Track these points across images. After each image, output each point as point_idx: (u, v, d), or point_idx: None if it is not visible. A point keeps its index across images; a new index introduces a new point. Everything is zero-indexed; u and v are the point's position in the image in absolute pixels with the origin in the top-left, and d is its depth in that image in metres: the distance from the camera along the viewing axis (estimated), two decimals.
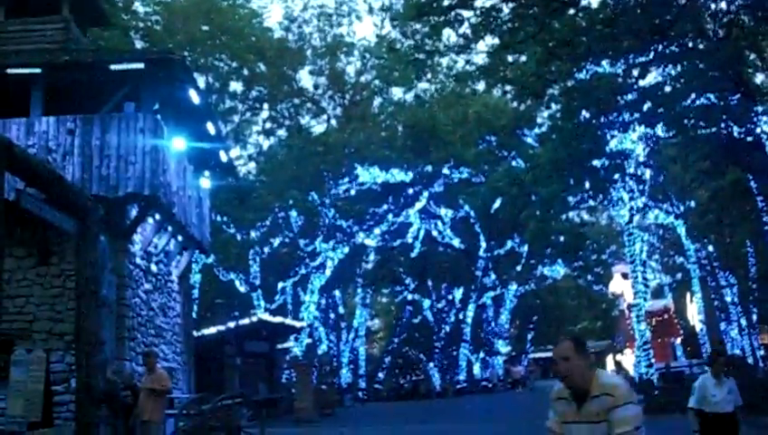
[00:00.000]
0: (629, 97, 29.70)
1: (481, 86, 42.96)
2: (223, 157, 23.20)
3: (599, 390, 4.41)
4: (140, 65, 17.32)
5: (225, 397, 16.74)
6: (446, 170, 45.18)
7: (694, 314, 41.66)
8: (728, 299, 41.44)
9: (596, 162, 33.40)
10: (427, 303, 52.36)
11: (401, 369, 53.89)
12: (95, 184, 16.86)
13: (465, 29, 28.08)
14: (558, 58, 27.26)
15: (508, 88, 34.25)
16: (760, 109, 27.27)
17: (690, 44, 27.35)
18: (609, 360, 49.64)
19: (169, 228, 20.01)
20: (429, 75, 43.79)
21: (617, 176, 34.65)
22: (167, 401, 13.63)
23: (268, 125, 47.62)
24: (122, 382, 14.62)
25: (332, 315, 50.41)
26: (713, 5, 26.53)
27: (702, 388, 9.36)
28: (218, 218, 37.82)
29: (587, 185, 37.25)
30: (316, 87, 48.24)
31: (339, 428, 21.71)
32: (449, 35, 29.65)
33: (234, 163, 27.85)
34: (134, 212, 17.92)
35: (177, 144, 19.04)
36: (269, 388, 33.92)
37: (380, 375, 51.91)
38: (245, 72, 43.17)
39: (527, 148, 41.18)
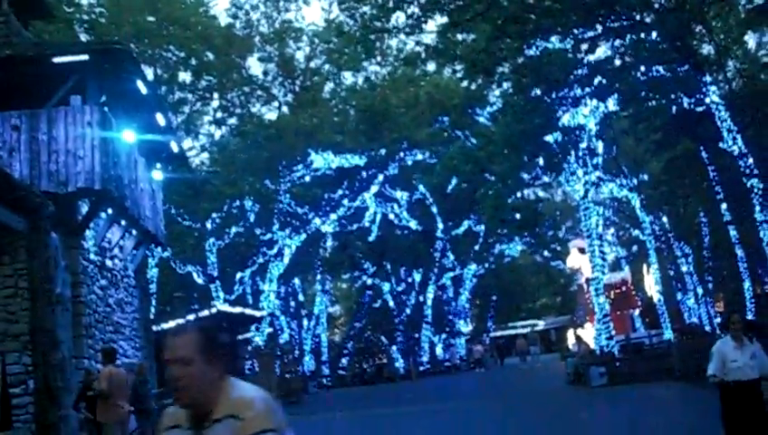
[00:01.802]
0: (580, 72, 29.84)
1: (431, 67, 42.97)
2: (174, 148, 22.87)
3: (225, 410, 3.00)
4: (85, 57, 16.96)
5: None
6: (399, 153, 45.10)
7: (651, 285, 42.04)
8: (684, 269, 41.88)
9: (549, 138, 33.53)
10: (386, 286, 52.34)
11: (364, 354, 53.82)
12: (44, 180, 16.49)
13: (414, 8, 27.98)
14: (507, 35, 27.30)
15: (458, 67, 34.25)
16: (708, 79, 27.50)
17: (638, 17, 27.50)
18: (570, 334, 49.98)
19: (123, 223, 19.69)
20: (379, 58, 43.70)
21: (570, 151, 34.82)
22: (124, 399, 13.26)
23: (219, 114, 47.17)
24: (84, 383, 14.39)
25: (292, 303, 50.21)
26: None
27: (720, 353, 8.46)
28: (173, 211, 37.39)
29: (541, 161, 37.44)
30: (266, 74, 47.84)
31: (336, 412, 21.57)
32: (398, 16, 29.50)
33: (186, 154, 27.54)
34: (86, 207, 17.58)
35: (127, 137, 18.70)
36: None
37: (343, 361, 51.85)
38: (194, 61, 42.62)
39: (480, 127, 41.22)
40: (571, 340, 48.06)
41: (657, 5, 27.47)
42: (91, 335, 16.88)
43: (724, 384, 8.30)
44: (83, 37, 36.48)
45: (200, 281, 42.42)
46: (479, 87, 36.18)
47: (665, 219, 43.57)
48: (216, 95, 45.99)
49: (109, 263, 19.23)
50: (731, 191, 29.73)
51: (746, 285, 30.83)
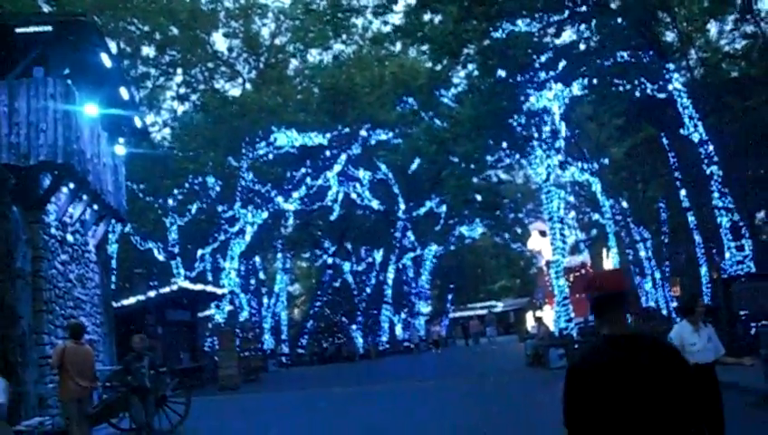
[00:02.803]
0: (545, 56, 29.99)
1: (397, 47, 42.91)
2: (137, 123, 22.61)
3: None
4: (49, 28, 16.67)
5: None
6: (363, 132, 45.07)
7: (610, 268, 42.45)
8: (642, 254, 42.38)
9: (513, 121, 33.70)
10: (347, 266, 52.44)
11: (324, 332, 53.90)
12: (4, 153, 16.21)
13: None
14: (474, 17, 27.33)
15: (424, 48, 34.24)
16: (671, 66, 27.77)
17: (603, 3, 27.67)
18: (530, 316, 50.41)
19: (84, 197, 19.45)
20: (345, 37, 43.44)
21: (534, 134, 35.02)
22: (81, 376, 12.91)
23: (182, 90, 46.68)
24: None
25: (253, 281, 50.07)
26: None
27: (679, 337, 8.58)
28: (134, 186, 37.06)
29: (504, 144, 37.61)
30: (230, 50, 47.45)
31: (317, 403, 21.58)
32: None
33: (148, 129, 27.27)
34: (47, 181, 17.32)
35: (90, 110, 18.43)
36: (192, 356, 33.61)
37: (303, 340, 51.88)
38: (158, 36, 42.15)
39: (444, 108, 41.27)
40: (530, 322, 48.48)
41: None
42: (51, 311, 16.67)
43: None
44: (45, 7, 35.93)
45: (161, 257, 42.16)
46: (444, 68, 36.18)
47: (624, 204, 44.00)
48: (179, 70, 45.54)
49: (70, 238, 19.01)
50: (690, 178, 30.13)
51: (703, 270, 31.25)
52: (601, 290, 3.85)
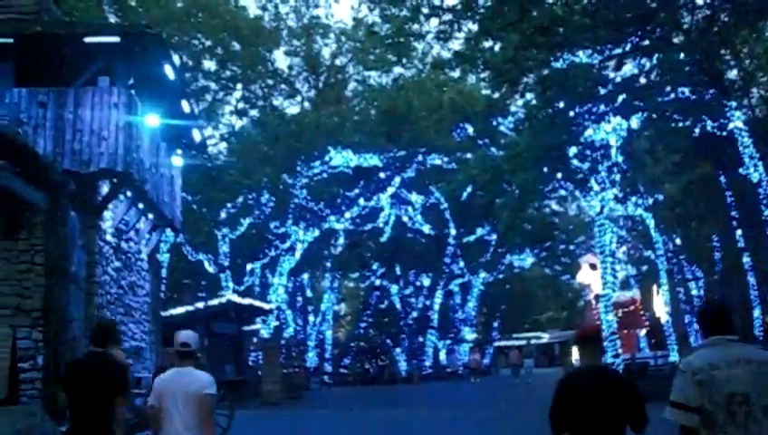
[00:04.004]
0: (605, 89, 29.79)
1: (456, 73, 42.98)
2: (196, 136, 22.95)
3: None
4: (116, 39, 17.00)
5: None
6: (418, 156, 45.13)
7: (659, 306, 41.93)
8: (693, 292, 41.81)
9: (570, 152, 33.48)
10: (394, 288, 52.36)
11: (367, 354, 53.87)
12: (67, 159, 16.54)
13: (447, 15, 28.06)
14: (535, 46, 27.25)
15: (483, 75, 34.21)
16: (733, 104, 27.45)
17: (667, 38, 27.46)
18: (575, 349, 49.94)
19: (141, 206, 19.74)
20: (405, 60, 43.67)
21: (588, 166, 34.76)
22: None
23: (241, 105, 47.23)
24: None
25: (300, 299, 50.23)
26: None
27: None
28: (188, 197, 37.49)
29: (559, 175, 37.38)
30: (290, 68, 47.92)
31: (347, 409, 21.58)
32: (429, 20, 29.55)
33: (206, 142, 27.59)
34: (106, 188, 17.64)
35: (151, 121, 18.75)
36: (236, 370, 33.77)
37: (346, 360, 51.86)
38: (220, 50, 42.73)
39: (500, 136, 41.19)
40: (575, 355, 47.91)
41: (686, 26, 27.42)
42: (102, 316, 16.92)
43: None
44: (111, 18, 36.62)
45: (211, 269, 42.50)
46: (502, 96, 36.11)
47: (678, 241, 43.50)
48: (239, 85, 46.08)
49: (124, 245, 19.29)
50: (747, 218, 29.64)
51: (756, 313, 30.71)
52: (585, 334, 6.01)
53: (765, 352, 5.15)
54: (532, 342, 60.98)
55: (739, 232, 30.45)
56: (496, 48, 30.70)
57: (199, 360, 7.29)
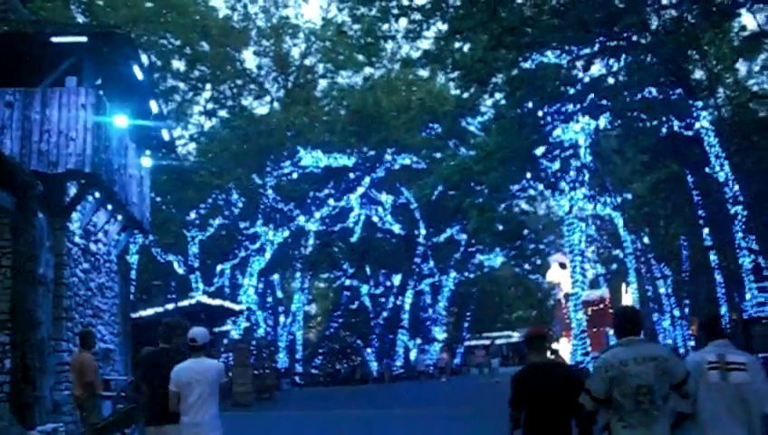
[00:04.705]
0: (573, 89, 30.00)
1: (425, 73, 43.08)
2: (165, 136, 22.78)
3: None
4: (84, 39, 16.83)
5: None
6: (388, 156, 45.18)
7: (628, 304, 42.25)
8: (662, 290, 42.20)
9: (539, 151, 33.70)
10: (365, 288, 52.39)
11: (338, 354, 53.89)
12: (34, 160, 16.35)
13: (416, 15, 28.11)
14: (504, 46, 27.38)
15: (453, 75, 34.34)
16: (699, 104, 27.72)
17: (634, 38, 27.69)
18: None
19: (109, 207, 19.59)
20: (374, 60, 43.72)
21: (558, 166, 34.99)
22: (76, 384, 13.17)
23: (210, 105, 46.97)
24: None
25: (270, 299, 50.12)
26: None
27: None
28: (157, 198, 37.28)
29: (528, 175, 37.59)
30: (260, 68, 47.70)
31: (320, 410, 21.50)
32: (399, 20, 29.60)
33: (175, 143, 27.41)
34: (74, 190, 17.48)
35: (120, 121, 18.61)
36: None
37: (317, 360, 51.83)
38: (188, 50, 42.48)
39: (470, 136, 41.36)
40: (547, 353, 48.15)
41: (654, 28, 27.66)
42: (70, 318, 16.78)
43: None
44: (79, 17, 36.30)
45: (180, 271, 42.30)
46: (472, 96, 36.26)
47: (646, 240, 43.87)
48: (208, 86, 45.86)
49: (93, 247, 19.14)
50: (713, 217, 29.94)
51: (723, 310, 31.03)
52: (531, 335, 6.95)
53: (665, 349, 6.60)
54: (502, 341, 61.24)
55: (706, 231, 30.75)
56: (466, 48, 30.83)
57: (211, 354, 8.40)
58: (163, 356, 8.80)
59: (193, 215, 41.87)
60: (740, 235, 26.16)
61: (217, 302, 35.04)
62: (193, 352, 8.20)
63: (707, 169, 27.70)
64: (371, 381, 48.28)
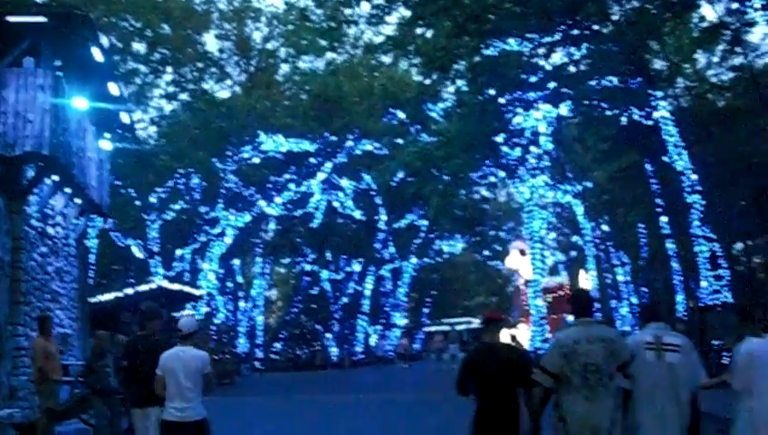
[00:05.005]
0: (535, 76, 30.13)
1: (387, 59, 43.00)
2: (125, 119, 22.54)
3: None
4: (42, 19, 16.64)
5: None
6: (349, 142, 45.10)
7: (585, 287, 42.68)
8: (620, 278, 42.67)
9: (500, 138, 33.84)
10: (325, 274, 52.35)
11: (298, 340, 53.83)
12: None
13: (377, 0, 28.07)
14: (467, 33, 27.42)
15: (415, 61, 34.34)
16: (659, 94, 27.97)
17: (596, 28, 27.84)
18: (504, 334, 50.53)
19: (67, 190, 19.40)
20: (336, 45, 43.54)
21: (519, 153, 35.18)
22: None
23: (171, 89, 46.44)
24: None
25: (230, 284, 49.92)
26: None
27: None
28: (117, 182, 36.88)
29: (489, 162, 37.76)
30: (221, 51, 47.29)
31: (280, 395, 21.44)
32: (361, 5, 29.54)
33: (135, 126, 27.13)
34: (31, 172, 17.27)
35: (79, 104, 18.41)
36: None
37: (277, 345, 51.76)
38: (149, 33, 41.94)
39: (432, 122, 41.41)
40: (506, 339, 48.50)
41: (615, 17, 27.84)
42: (28, 302, 16.62)
43: None
44: None
45: (140, 255, 41.95)
46: (434, 82, 36.31)
47: (605, 228, 44.27)
48: (169, 69, 45.33)
49: (50, 230, 18.95)
50: (671, 205, 30.28)
51: (680, 297, 31.43)
52: (487, 318, 7.37)
53: (614, 331, 7.10)
54: (463, 327, 61.57)
55: (664, 219, 31.10)
56: (428, 34, 30.83)
57: (197, 343, 8.77)
58: (144, 342, 9.16)
59: (153, 199, 41.49)
60: (697, 224, 26.49)
61: (177, 287, 34.81)
62: (180, 340, 8.49)
63: (666, 159, 27.98)
64: (331, 367, 48.33)
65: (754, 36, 29.52)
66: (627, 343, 6.87)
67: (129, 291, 30.65)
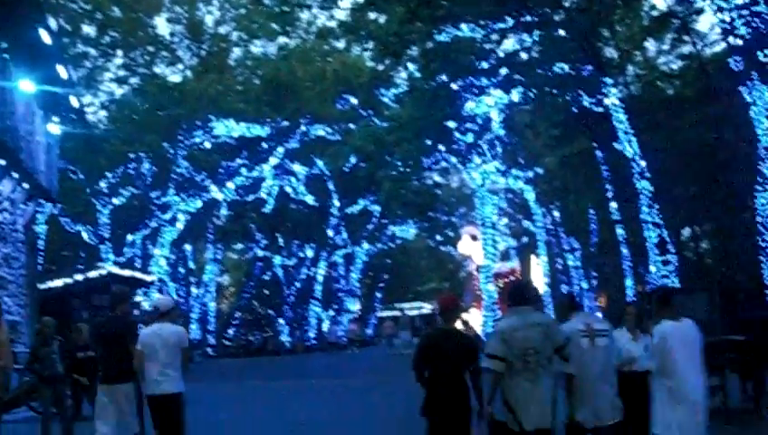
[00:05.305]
0: (487, 63, 30.26)
1: (340, 44, 42.90)
2: (74, 103, 22.25)
3: None
4: None
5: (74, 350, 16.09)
6: (302, 127, 44.93)
7: (538, 276, 43.10)
8: (571, 263, 43.12)
9: (452, 123, 33.98)
10: (278, 259, 52.27)
11: (251, 325, 53.72)
12: None
13: None
14: (419, 19, 27.42)
15: (368, 46, 34.32)
16: (609, 81, 28.24)
17: (548, 14, 28.00)
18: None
19: (15, 175, 19.13)
20: (289, 30, 43.30)
21: (471, 139, 35.35)
22: None
23: (122, 73, 45.83)
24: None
25: (182, 270, 49.62)
26: None
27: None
28: (67, 167, 36.40)
29: (441, 147, 37.90)
30: (172, 35, 46.72)
31: (233, 381, 21.40)
32: None
33: (84, 110, 26.80)
34: None
35: (26, 87, 18.13)
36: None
37: (230, 332, 51.59)
38: (99, 15, 41.33)
39: (384, 107, 41.44)
40: (456, 325, 48.77)
41: (567, 4, 28.04)
42: None
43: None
44: None
45: (90, 241, 41.47)
46: (386, 68, 36.32)
47: (556, 213, 44.68)
48: (119, 52, 44.71)
49: None
50: (621, 191, 30.66)
51: (629, 282, 31.85)
52: (443, 305, 7.75)
53: (548, 317, 7.99)
54: (415, 312, 61.73)
55: (614, 205, 31.48)
56: (381, 20, 30.81)
57: (173, 319, 9.42)
58: (115, 323, 9.50)
59: (103, 184, 41.01)
60: (645, 209, 26.84)
61: (128, 272, 34.50)
62: (157, 318, 9.15)
63: (616, 145, 28.29)
64: (284, 353, 48.28)
65: (702, 25, 29.99)
66: (561, 328, 7.45)
67: (79, 277, 30.33)
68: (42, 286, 25.77)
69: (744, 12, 17.51)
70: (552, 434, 7.06)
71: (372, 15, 30.56)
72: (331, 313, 54.80)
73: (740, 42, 17.96)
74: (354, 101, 43.29)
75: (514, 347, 6.85)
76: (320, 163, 47.52)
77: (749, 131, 20.51)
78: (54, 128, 22.30)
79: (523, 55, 30.43)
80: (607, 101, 27.87)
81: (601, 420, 7.50)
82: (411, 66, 34.09)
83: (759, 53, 17.58)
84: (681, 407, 7.47)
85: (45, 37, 17.64)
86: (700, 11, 26.27)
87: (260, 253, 51.87)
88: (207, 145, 43.83)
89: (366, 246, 54.61)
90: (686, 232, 37.41)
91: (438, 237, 63.31)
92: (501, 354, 6.86)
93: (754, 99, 18.52)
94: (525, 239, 53.79)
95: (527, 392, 6.82)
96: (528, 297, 7.41)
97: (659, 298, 8.32)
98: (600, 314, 37.58)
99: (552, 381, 7.03)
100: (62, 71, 19.58)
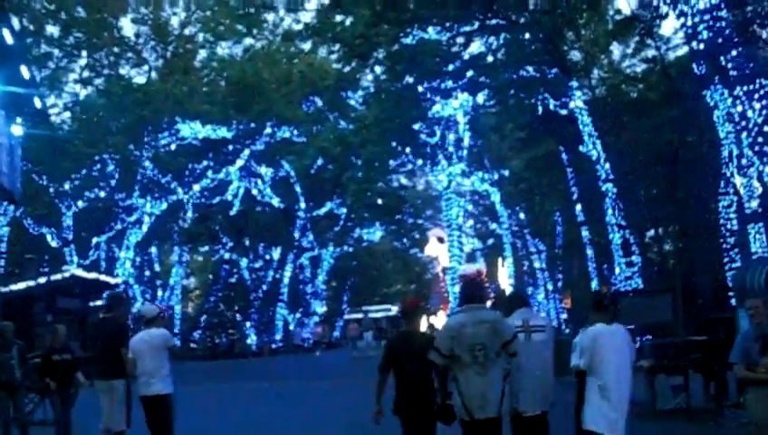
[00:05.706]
0: (453, 65, 30.41)
1: (307, 45, 42.90)
2: (37, 104, 22.00)
3: None
4: None
5: (36, 355, 15.96)
6: (268, 129, 44.81)
7: (504, 277, 43.35)
8: (537, 265, 43.40)
9: (418, 127, 34.09)
10: (244, 262, 52.07)
11: (217, 328, 53.41)
12: None
13: None
14: (385, 21, 27.51)
15: (334, 48, 34.35)
16: (575, 84, 28.50)
17: (513, 17, 28.20)
18: (423, 321, 51.00)
19: None
20: (255, 31, 43.23)
21: (437, 141, 35.49)
22: None
23: (86, 73, 45.54)
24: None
25: (148, 273, 49.30)
26: None
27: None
28: (30, 168, 36.03)
29: (408, 149, 38.02)
30: (138, 36, 46.50)
31: (199, 384, 21.33)
32: None
33: (48, 111, 26.56)
34: None
35: None
36: (82, 346, 32.87)
37: (196, 334, 51.31)
38: (63, 15, 41.01)
39: (350, 109, 41.48)
40: (423, 327, 48.89)
41: (532, 7, 28.24)
42: None
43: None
44: None
45: (54, 243, 41.08)
46: (353, 70, 36.36)
47: (522, 215, 44.97)
48: (84, 53, 44.40)
49: None
50: (586, 193, 30.92)
51: (594, 284, 32.11)
52: (405, 308, 8.27)
53: (497, 314, 7.71)
54: (381, 314, 61.70)
55: (579, 207, 31.74)
56: (347, 22, 30.85)
57: (159, 324, 10.27)
58: (110, 324, 10.49)
59: (67, 186, 40.64)
60: (610, 211, 27.10)
61: (93, 275, 34.26)
62: (144, 324, 10.10)
63: (581, 148, 28.54)
64: (250, 356, 48.11)
65: (666, 29, 30.32)
66: (508, 324, 7.70)
67: (43, 280, 30.06)
68: (4, 289, 25.51)
69: (707, 17, 17.72)
70: (500, 423, 7.43)
71: (338, 18, 30.57)
72: (298, 315, 54.68)
73: (702, 46, 18.17)
74: (320, 103, 43.28)
75: (463, 343, 7.21)
76: (286, 165, 47.42)
77: (712, 135, 20.82)
78: (17, 129, 22.02)
79: (489, 58, 30.61)
80: (572, 104, 28.13)
81: (537, 409, 7.90)
82: (377, 68, 34.18)
83: (721, 57, 17.80)
84: (609, 404, 7.66)
85: (8, 37, 17.46)
86: (664, 16, 26.55)
87: (226, 255, 51.63)
88: (173, 147, 43.55)
89: (332, 248, 54.58)
90: (651, 233, 37.81)
91: (405, 240, 63.44)
92: (444, 349, 7.25)
93: (717, 102, 18.77)
94: (491, 241, 54.07)
95: (476, 385, 7.20)
96: (478, 295, 7.82)
97: (594, 302, 8.45)
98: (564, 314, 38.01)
99: (500, 373, 7.40)
100: (25, 71, 19.37)
